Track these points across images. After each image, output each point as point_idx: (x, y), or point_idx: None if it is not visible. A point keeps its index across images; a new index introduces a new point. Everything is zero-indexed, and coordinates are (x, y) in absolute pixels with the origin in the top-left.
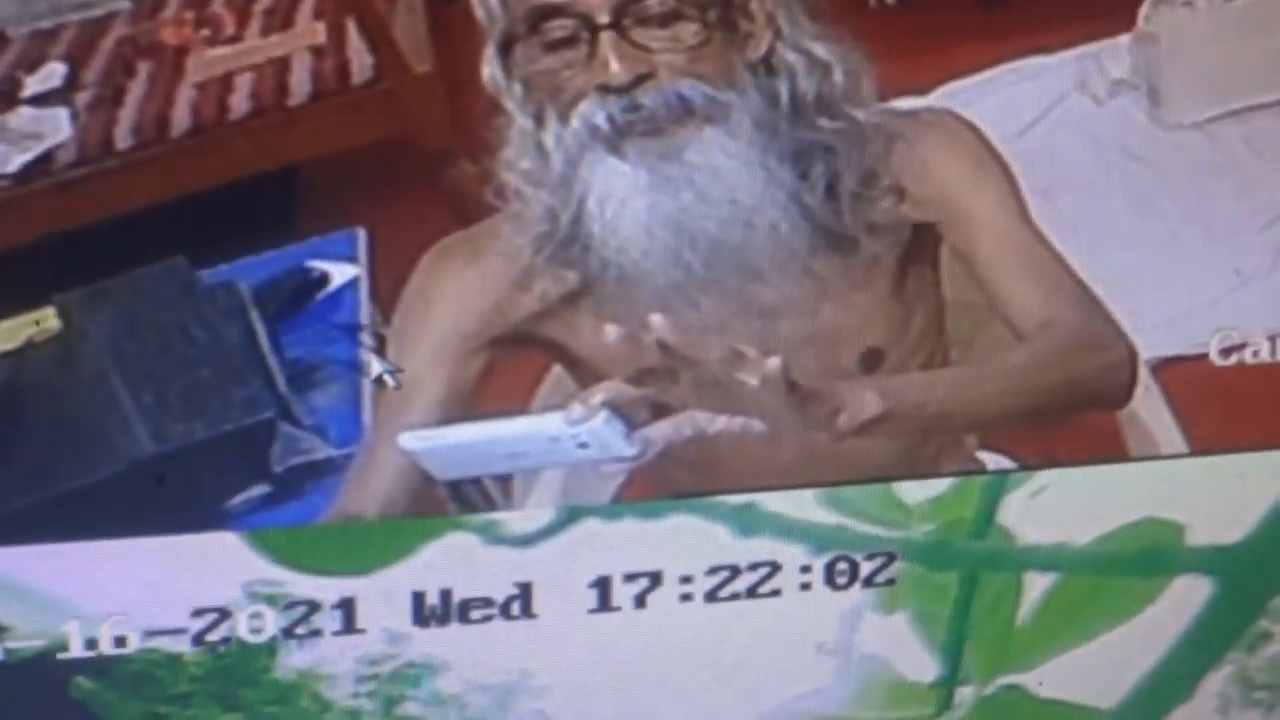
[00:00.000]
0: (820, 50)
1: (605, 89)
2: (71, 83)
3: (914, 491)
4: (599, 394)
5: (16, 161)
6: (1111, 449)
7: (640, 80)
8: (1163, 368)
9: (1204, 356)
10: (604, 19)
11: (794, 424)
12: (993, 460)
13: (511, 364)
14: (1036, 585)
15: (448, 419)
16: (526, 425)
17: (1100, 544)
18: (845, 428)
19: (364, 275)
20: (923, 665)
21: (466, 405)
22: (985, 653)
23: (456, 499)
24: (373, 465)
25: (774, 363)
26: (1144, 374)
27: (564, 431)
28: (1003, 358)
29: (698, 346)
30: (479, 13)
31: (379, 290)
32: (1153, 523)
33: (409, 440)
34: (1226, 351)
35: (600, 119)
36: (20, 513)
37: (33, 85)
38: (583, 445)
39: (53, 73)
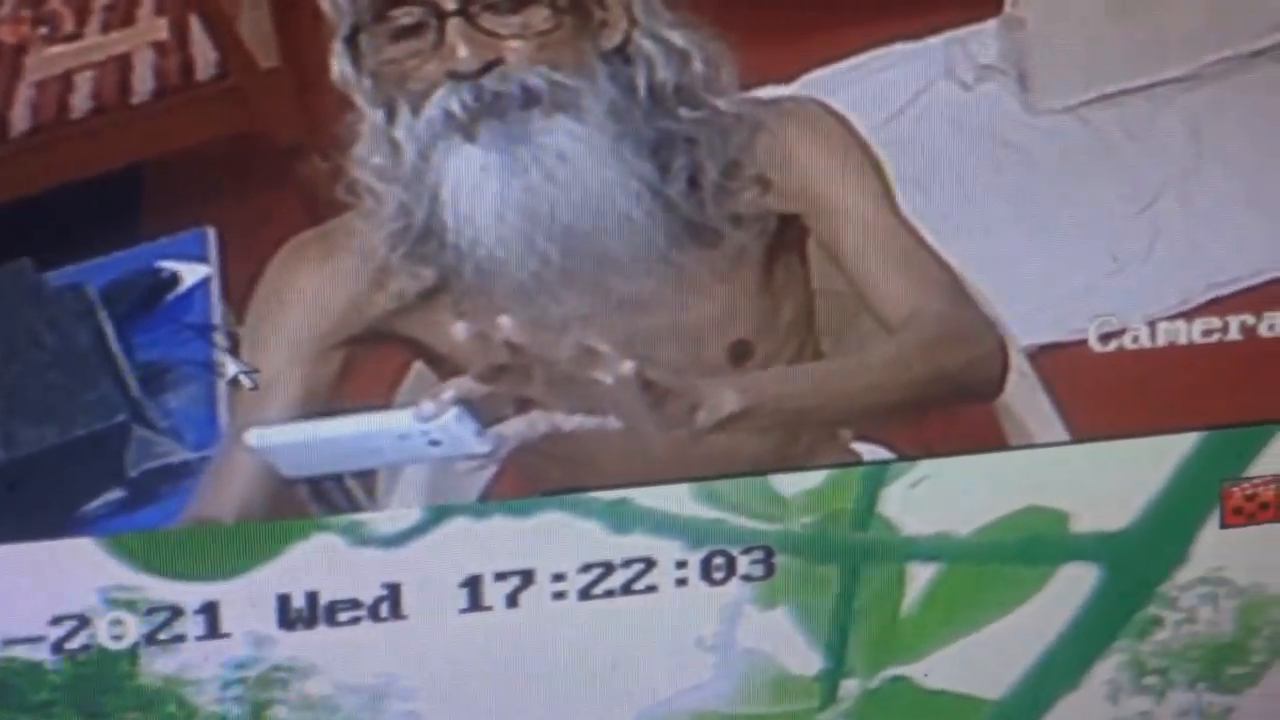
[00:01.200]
0: (678, 38)
1: (454, 75)
2: None
3: (791, 484)
4: (449, 390)
5: None
6: (989, 437)
7: (490, 67)
8: (1041, 355)
9: (1083, 343)
10: (451, 5)
11: (651, 422)
12: (869, 451)
13: (371, 361)
14: (920, 576)
15: (307, 419)
16: (376, 422)
17: (984, 533)
18: (703, 424)
19: (215, 275)
20: (806, 659)
21: (325, 404)
22: (870, 645)
23: (319, 500)
24: (229, 467)
25: (628, 364)
26: (1022, 361)
27: (414, 428)
28: (868, 351)
29: (549, 345)
30: (325, 4)
31: (231, 290)
32: (1036, 511)
33: (256, 437)
34: (1105, 337)
35: (454, 105)
36: None
37: None
38: (434, 442)
39: None
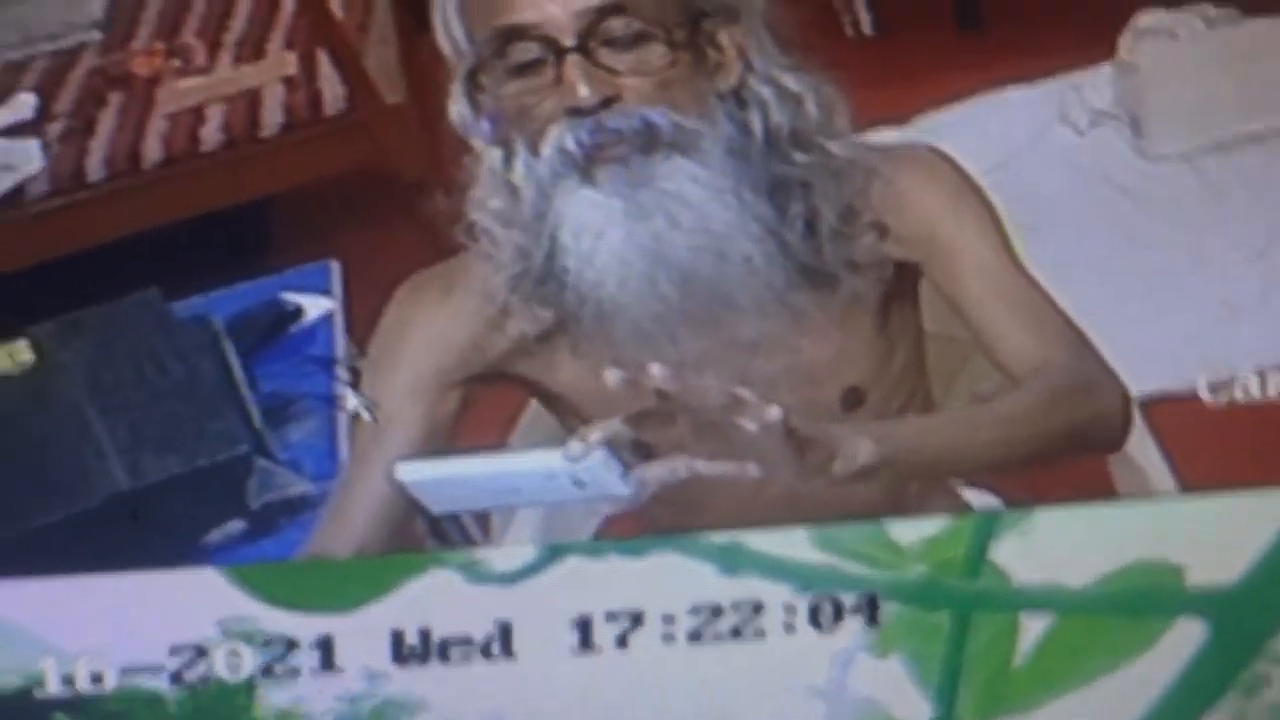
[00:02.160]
0: (792, 82)
1: (573, 111)
2: (43, 114)
3: (906, 531)
4: (597, 432)
5: None
6: (1098, 486)
7: (608, 103)
8: (1151, 405)
9: (1193, 393)
10: (569, 41)
11: (789, 469)
12: (978, 498)
13: (488, 398)
14: (1032, 627)
15: (425, 454)
16: (524, 461)
17: (1095, 585)
18: (840, 473)
19: (339, 308)
20: (917, 708)
21: (443, 440)
22: (980, 695)
23: (435, 535)
24: (349, 501)
25: (774, 411)
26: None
27: (561, 468)
28: (997, 403)
29: (697, 391)
30: (444, 47)
31: (354, 323)
32: (1146, 564)
33: (405, 472)
34: (1215, 388)
35: (570, 143)
36: None
37: (4, 117)
38: (579, 483)
39: (24, 104)
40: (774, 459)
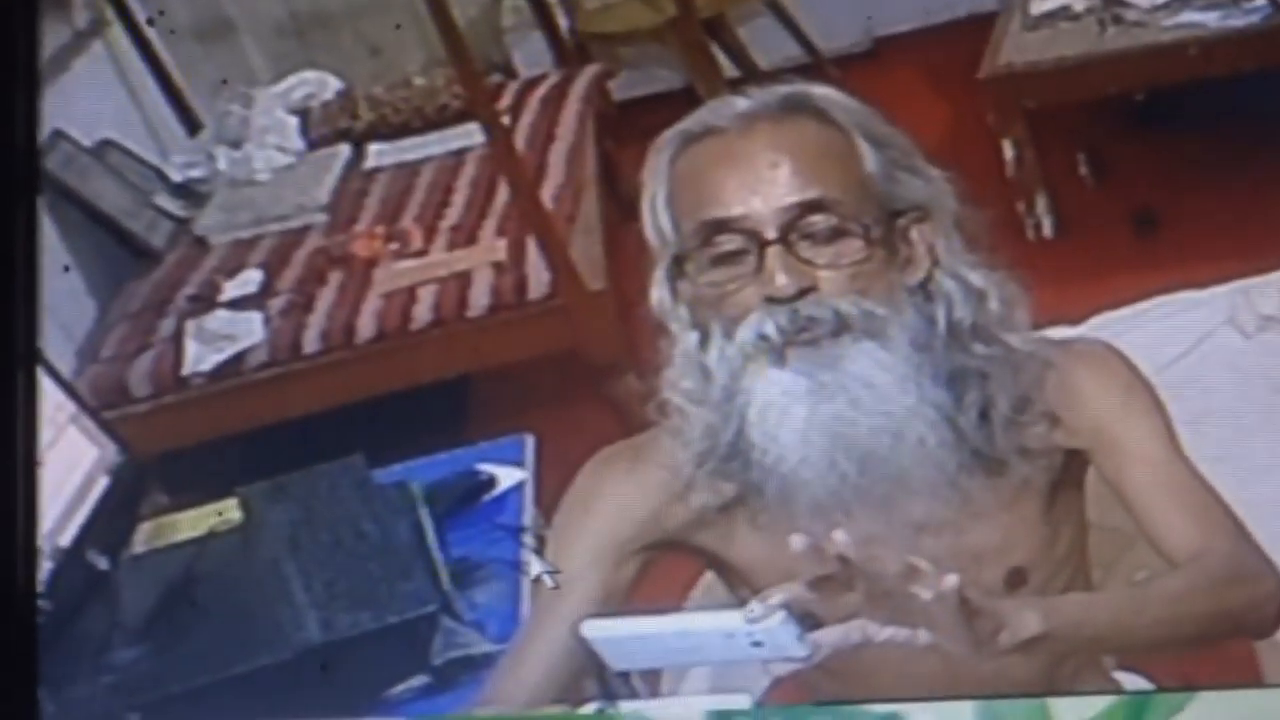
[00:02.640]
0: (977, 278)
1: (772, 300)
2: (266, 289)
3: (1066, 709)
4: (777, 595)
5: (211, 361)
6: (1245, 671)
7: (804, 293)
8: None
9: None
10: (772, 234)
11: (959, 638)
12: (1130, 680)
13: (665, 566)
14: None
15: (601, 617)
16: (704, 621)
17: None
18: (1006, 644)
19: (530, 480)
20: None
21: (620, 604)
22: None
23: (604, 694)
24: (526, 655)
25: (951, 580)
26: None
27: (740, 629)
28: (1159, 585)
29: (875, 558)
30: (650, 236)
31: (543, 494)
32: None
33: (591, 629)
34: None
35: (770, 329)
36: (194, 693)
37: (231, 290)
38: (756, 643)
39: (250, 279)
40: (945, 627)
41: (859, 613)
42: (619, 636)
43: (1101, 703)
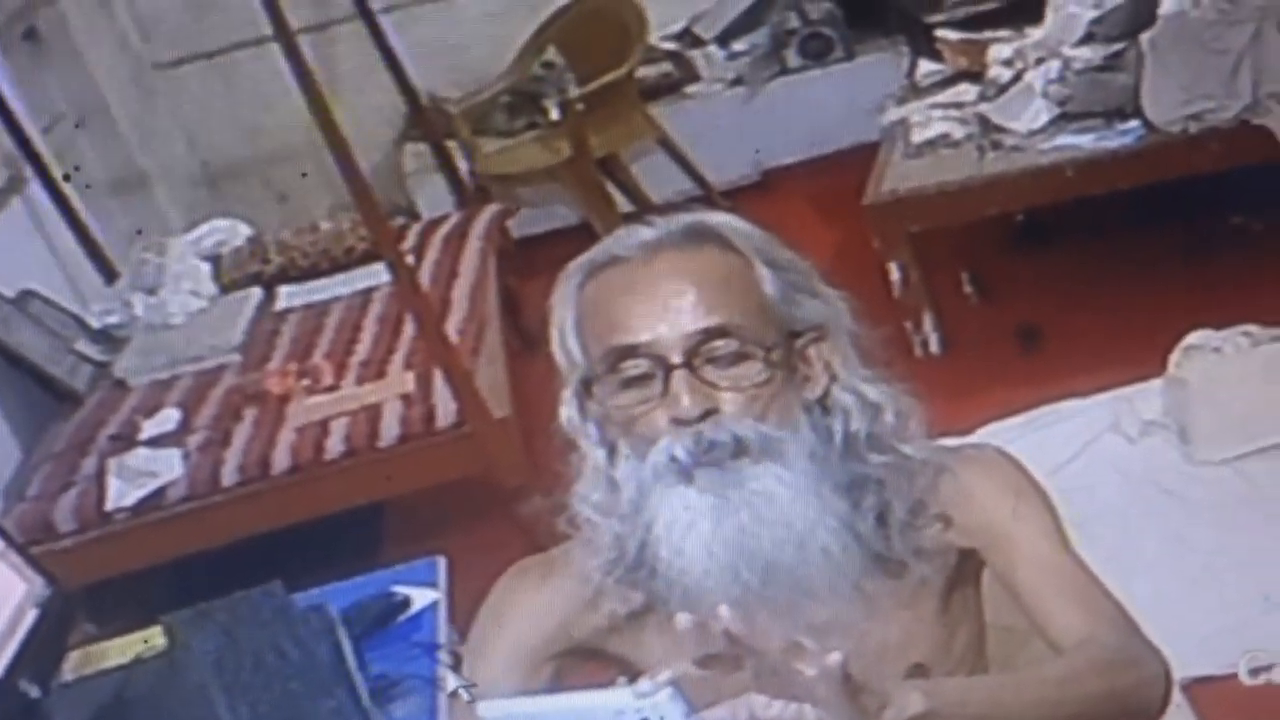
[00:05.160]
0: (873, 392)
1: (677, 421)
2: (184, 426)
3: None
4: (666, 672)
5: (133, 497)
6: None
7: (707, 414)
8: (1193, 686)
9: (1233, 676)
10: (677, 359)
11: (844, 715)
12: None
13: (578, 674)
14: None
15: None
16: (596, 698)
17: None
18: None
19: (443, 599)
20: None
21: None
22: None
23: None
24: None
25: (834, 657)
26: (1175, 692)
27: (630, 704)
28: (1043, 668)
29: (761, 634)
30: (559, 359)
31: (456, 612)
32: None
33: (487, 710)
34: (1255, 672)
35: (679, 452)
36: None
37: (149, 429)
38: None
39: (168, 418)
40: (830, 704)
41: (747, 689)
42: (514, 714)
43: None
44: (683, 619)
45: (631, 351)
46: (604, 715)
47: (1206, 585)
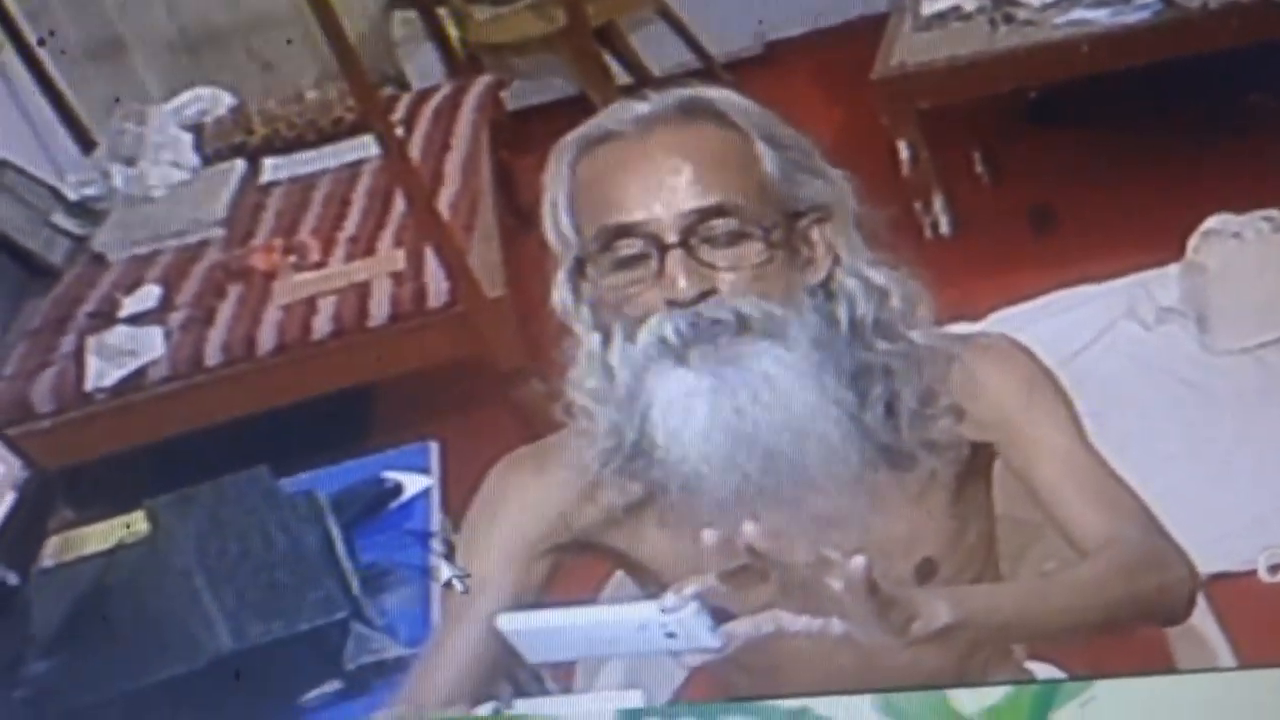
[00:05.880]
0: (878, 276)
1: (673, 303)
2: (166, 304)
3: (968, 700)
4: (692, 586)
5: (113, 376)
6: (1159, 661)
7: (705, 296)
8: (1211, 583)
9: (1253, 573)
10: (672, 239)
11: (872, 627)
12: (1042, 669)
13: (575, 567)
14: None
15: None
16: (618, 612)
17: None
18: (919, 634)
19: (436, 485)
20: None
21: (531, 607)
22: None
23: (518, 692)
24: (440, 657)
25: (859, 561)
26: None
27: (654, 620)
28: (1068, 573)
29: (786, 549)
30: (551, 239)
31: (450, 500)
32: None
33: (506, 622)
34: (1275, 569)
35: (669, 331)
36: (107, 704)
37: (130, 306)
38: (670, 634)
39: (148, 295)
40: (857, 616)
41: (772, 604)
42: (533, 629)
43: (1006, 692)
44: (708, 535)
45: (625, 231)
46: (627, 629)
47: (1225, 479)
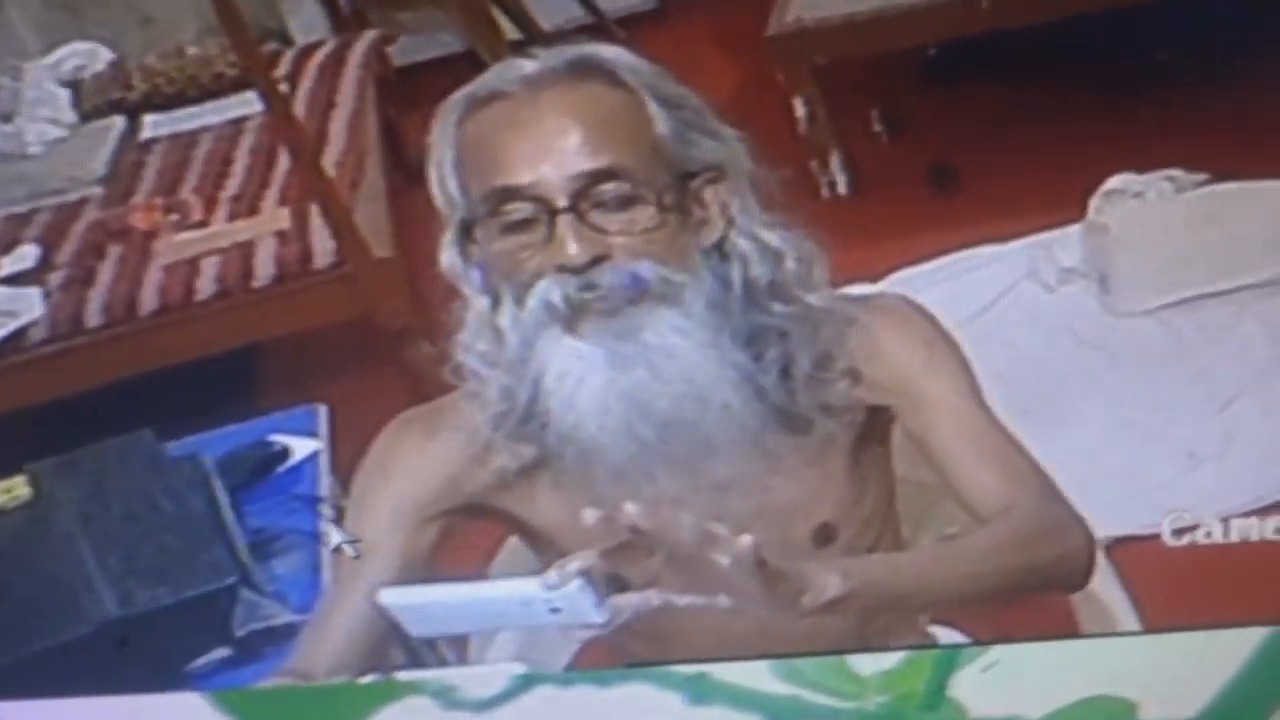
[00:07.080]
0: (773, 238)
1: (563, 269)
2: (44, 264)
3: (867, 664)
4: (575, 562)
5: None
6: (1063, 625)
7: (597, 261)
8: (1115, 547)
9: (1156, 537)
10: (562, 203)
11: (760, 601)
12: (944, 634)
13: (469, 532)
14: None
15: (403, 584)
16: (502, 588)
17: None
18: (809, 606)
19: (325, 449)
20: None
21: (421, 571)
22: None
23: (411, 660)
24: (328, 625)
25: (745, 540)
26: (1098, 552)
27: (538, 595)
28: (964, 540)
29: (671, 526)
30: (438, 200)
31: (339, 463)
32: (1105, 700)
33: (389, 596)
34: (1179, 532)
35: (556, 297)
36: None
37: (7, 266)
38: (555, 610)
39: (26, 254)
40: (745, 591)
41: (659, 577)
42: (416, 604)
43: (905, 656)
44: (588, 515)
45: (513, 194)
46: (512, 605)
47: (1128, 442)
